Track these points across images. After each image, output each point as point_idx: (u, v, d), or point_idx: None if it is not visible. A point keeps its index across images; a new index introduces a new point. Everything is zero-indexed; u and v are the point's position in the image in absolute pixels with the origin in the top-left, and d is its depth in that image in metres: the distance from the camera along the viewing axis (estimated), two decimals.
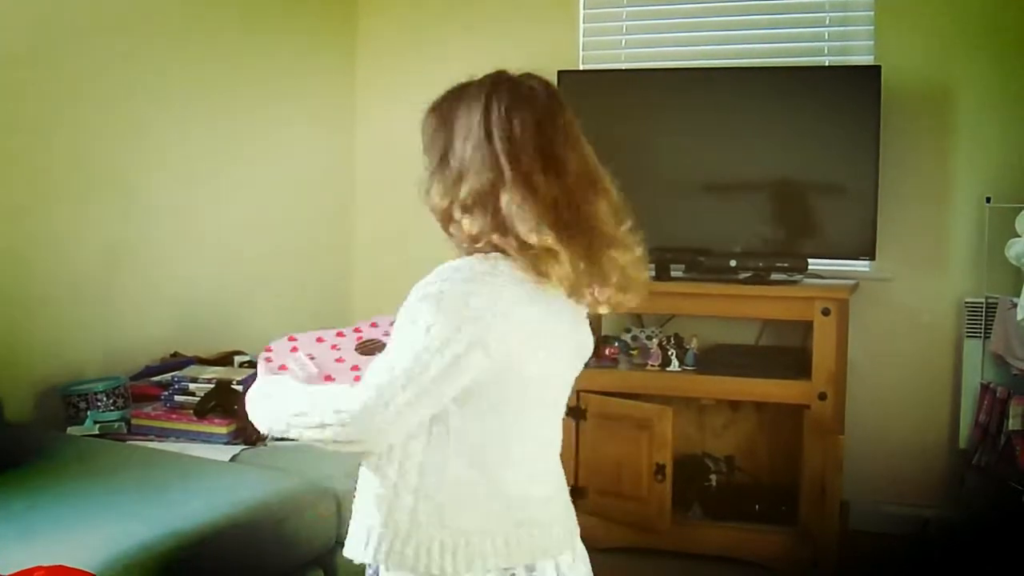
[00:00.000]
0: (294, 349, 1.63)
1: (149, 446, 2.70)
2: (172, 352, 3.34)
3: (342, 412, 1.41)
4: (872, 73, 3.41)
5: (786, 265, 3.45)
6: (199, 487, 2.34)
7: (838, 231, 3.51)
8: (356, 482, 1.56)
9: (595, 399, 3.43)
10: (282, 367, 1.56)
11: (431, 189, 1.54)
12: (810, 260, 3.47)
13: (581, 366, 1.60)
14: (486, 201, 1.47)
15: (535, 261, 1.43)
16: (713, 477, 3.58)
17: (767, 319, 3.66)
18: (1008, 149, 3.53)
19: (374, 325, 1.69)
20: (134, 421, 2.81)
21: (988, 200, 3.45)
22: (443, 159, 1.52)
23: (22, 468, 2.43)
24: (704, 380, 3.45)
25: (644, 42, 3.98)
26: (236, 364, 3.18)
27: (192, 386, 2.83)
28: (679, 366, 3.49)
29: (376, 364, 1.44)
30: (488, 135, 1.48)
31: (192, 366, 3.07)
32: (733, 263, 3.49)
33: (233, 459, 2.64)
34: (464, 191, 1.48)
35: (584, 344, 1.59)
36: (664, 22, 3.96)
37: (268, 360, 1.59)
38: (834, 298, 3.30)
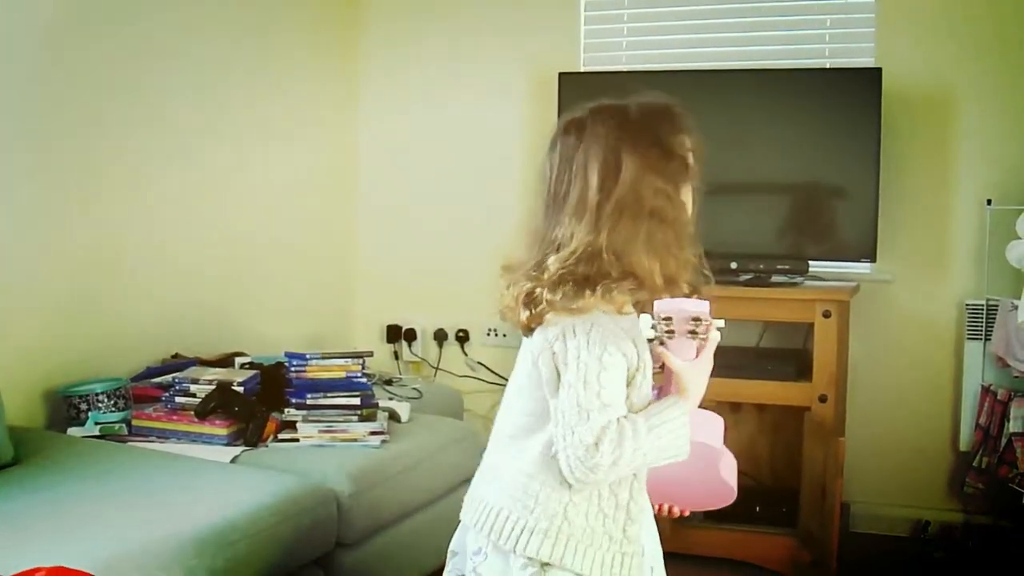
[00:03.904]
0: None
1: (150, 447, 2.70)
2: (173, 353, 3.34)
3: None
4: (873, 75, 3.41)
5: (787, 267, 3.45)
6: (200, 488, 2.34)
7: (839, 233, 3.50)
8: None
9: None
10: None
11: None
12: (811, 262, 3.47)
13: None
14: None
15: None
16: None
17: (768, 321, 3.66)
18: (1009, 151, 3.52)
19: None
20: (135, 422, 2.81)
21: (989, 202, 3.45)
22: None
23: (22, 469, 2.44)
24: None
25: (645, 44, 3.98)
26: (237, 365, 3.18)
27: (193, 387, 2.82)
28: None
29: None
30: None
31: (193, 367, 3.06)
32: (734, 265, 3.49)
33: (234, 460, 2.64)
34: None
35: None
36: (665, 24, 3.96)
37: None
38: (835, 300, 3.29)
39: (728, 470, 1.69)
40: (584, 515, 1.55)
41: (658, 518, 1.74)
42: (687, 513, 1.77)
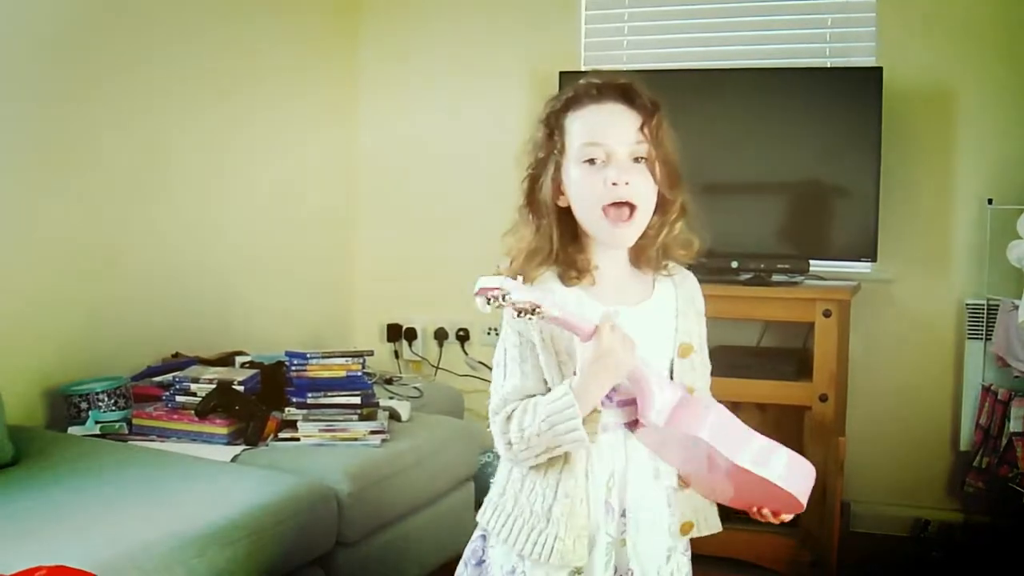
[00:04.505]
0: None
1: (150, 446, 2.70)
2: (173, 352, 3.34)
3: None
4: (874, 74, 3.41)
5: (787, 267, 3.45)
6: (200, 488, 2.35)
7: (839, 232, 3.50)
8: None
9: None
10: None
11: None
12: (811, 261, 3.47)
13: None
14: None
15: None
16: None
17: (768, 320, 3.66)
18: (1010, 151, 3.52)
19: None
20: (135, 421, 2.81)
21: (990, 202, 3.45)
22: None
23: (23, 468, 2.44)
24: None
25: (646, 43, 3.98)
26: (237, 364, 3.18)
27: (193, 386, 2.83)
28: None
29: None
30: None
31: (193, 366, 3.07)
32: (734, 264, 3.49)
33: (234, 460, 2.64)
34: None
35: None
36: (666, 23, 3.96)
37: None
38: (835, 299, 3.29)
39: (762, 464, 1.55)
40: (520, 491, 1.61)
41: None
42: (785, 516, 1.65)
